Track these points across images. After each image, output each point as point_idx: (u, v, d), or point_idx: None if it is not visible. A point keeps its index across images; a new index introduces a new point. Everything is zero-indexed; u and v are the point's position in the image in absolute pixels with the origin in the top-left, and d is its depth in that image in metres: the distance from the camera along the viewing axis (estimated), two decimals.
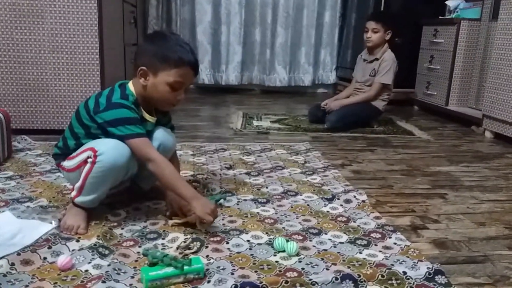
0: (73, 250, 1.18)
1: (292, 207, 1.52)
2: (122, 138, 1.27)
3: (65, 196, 1.53)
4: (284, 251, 1.20)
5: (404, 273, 1.09)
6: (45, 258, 1.14)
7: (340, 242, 1.28)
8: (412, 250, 1.23)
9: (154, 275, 1.03)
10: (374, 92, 2.82)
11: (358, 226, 1.39)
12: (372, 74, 2.86)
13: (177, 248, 1.19)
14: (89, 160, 1.27)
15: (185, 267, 1.05)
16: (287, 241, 1.22)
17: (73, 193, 1.33)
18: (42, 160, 1.93)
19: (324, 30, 4.22)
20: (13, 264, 1.09)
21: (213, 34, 4.03)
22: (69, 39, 2.24)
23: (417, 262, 1.16)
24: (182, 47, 1.31)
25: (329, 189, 1.68)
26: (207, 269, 1.10)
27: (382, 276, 1.08)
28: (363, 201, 1.58)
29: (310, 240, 1.28)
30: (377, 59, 2.85)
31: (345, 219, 1.44)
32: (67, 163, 1.37)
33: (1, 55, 2.21)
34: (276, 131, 2.67)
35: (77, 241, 1.23)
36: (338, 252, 1.21)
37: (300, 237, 1.29)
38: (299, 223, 1.40)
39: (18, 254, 1.13)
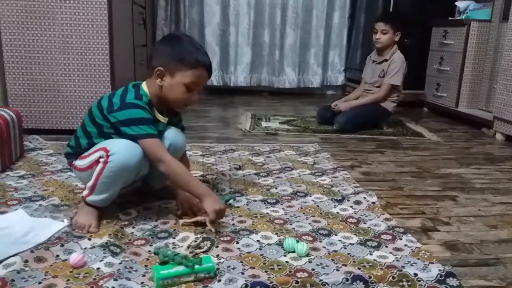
0: (85, 248, 1.19)
1: (301, 208, 1.52)
2: (134, 138, 1.29)
3: (76, 195, 1.55)
4: (294, 251, 1.20)
5: (415, 275, 1.08)
6: (57, 256, 1.15)
7: (351, 244, 1.27)
8: (423, 252, 1.22)
9: (165, 273, 1.04)
10: (383, 93, 2.81)
11: (369, 227, 1.38)
12: (381, 75, 2.85)
13: (188, 247, 1.20)
14: (101, 160, 1.29)
15: (196, 266, 1.05)
16: (297, 241, 1.22)
17: (85, 192, 1.34)
18: (53, 159, 1.95)
19: (333, 31, 4.21)
20: (26, 261, 1.10)
21: (221, 35, 4.04)
22: (80, 40, 2.26)
23: (428, 264, 1.15)
24: (198, 49, 1.34)
25: (338, 191, 1.68)
26: (218, 268, 1.10)
27: (393, 277, 1.07)
28: (373, 202, 1.57)
29: (320, 241, 1.28)
30: (386, 60, 2.84)
31: (355, 220, 1.43)
32: (79, 162, 1.38)
33: (13, 56, 2.23)
34: (285, 132, 2.67)
35: (89, 239, 1.24)
36: (349, 253, 1.21)
37: (310, 238, 1.29)
38: (309, 224, 1.39)
39: (31, 251, 1.14)
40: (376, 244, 1.27)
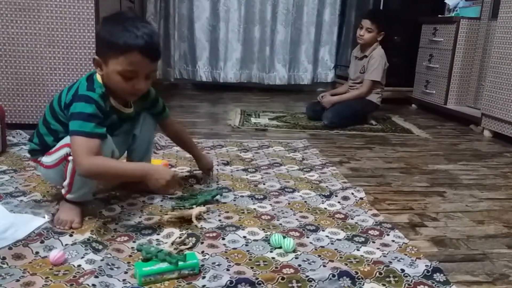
0: (66, 244, 1.16)
1: (289, 203, 1.50)
2: (69, 133, 1.20)
3: (59, 190, 1.51)
4: (280, 247, 1.18)
5: (402, 270, 1.08)
6: (37, 253, 1.12)
7: (338, 239, 1.26)
8: (410, 247, 1.21)
9: (148, 270, 1.01)
10: (365, 89, 2.82)
11: (356, 223, 1.37)
12: (362, 71, 2.86)
13: (172, 243, 1.17)
14: (70, 158, 1.22)
15: (180, 263, 1.03)
16: (284, 237, 1.20)
17: (63, 190, 1.29)
18: None
19: (324, 28, 4.20)
20: (4, 258, 1.07)
21: (211, 30, 4.00)
22: (66, 34, 2.21)
23: (415, 260, 1.14)
24: (129, 31, 1.17)
25: (326, 186, 1.67)
26: (202, 265, 1.08)
27: (380, 273, 1.06)
28: (361, 198, 1.56)
29: (307, 237, 1.26)
30: (366, 56, 2.84)
31: (343, 216, 1.42)
32: (45, 159, 1.32)
33: None
34: (274, 128, 2.65)
35: (70, 235, 1.21)
36: (336, 249, 1.20)
37: (297, 234, 1.28)
38: (296, 219, 1.38)
39: (10, 248, 1.11)
40: (363, 239, 1.26)
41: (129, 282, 1.01)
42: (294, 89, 4.21)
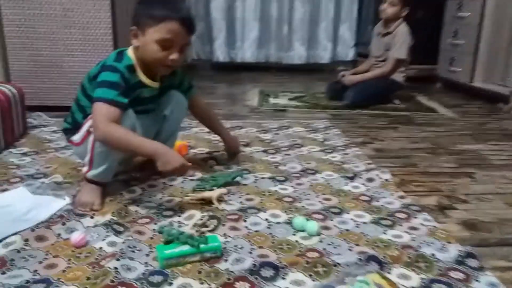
0: (87, 226, 1.15)
1: (311, 185, 1.46)
2: (93, 100, 1.22)
3: (79, 172, 1.49)
4: (304, 230, 1.15)
5: (433, 255, 1.03)
6: (59, 235, 1.11)
7: (363, 222, 1.22)
8: (440, 231, 1.16)
9: (169, 253, 0.99)
10: (389, 67, 2.71)
11: (382, 205, 1.32)
12: (386, 49, 2.75)
13: (194, 226, 1.15)
14: (91, 129, 1.24)
15: (202, 246, 1.01)
16: (307, 220, 1.17)
17: (85, 168, 1.30)
18: (57, 136, 1.90)
19: (343, 4, 4.07)
20: (27, 240, 1.07)
21: (228, 9, 3.92)
22: (82, 14, 2.18)
23: (446, 244, 1.09)
24: (169, 2, 1.24)
25: (350, 168, 1.62)
26: (224, 248, 1.05)
27: (409, 258, 1.02)
28: (386, 179, 1.51)
29: (331, 220, 1.22)
30: (389, 33, 2.72)
31: (368, 198, 1.37)
32: (75, 137, 1.35)
33: (14, 31, 2.17)
34: (294, 108, 2.60)
35: (91, 217, 1.20)
36: (361, 233, 1.16)
37: (321, 217, 1.24)
38: (319, 202, 1.34)
39: (32, 230, 1.11)
40: (390, 223, 1.22)
41: (151, 265, 1.00)
42: (313, 68, 4.12)
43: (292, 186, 1.45)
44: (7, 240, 1.06)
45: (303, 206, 1.30)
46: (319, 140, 1.96)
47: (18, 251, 1.02)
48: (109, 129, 1.17)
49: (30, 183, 1.41)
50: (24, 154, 1.68)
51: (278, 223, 1.20)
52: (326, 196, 1.38)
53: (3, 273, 0.95)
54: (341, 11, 4.09)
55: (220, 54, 3.98)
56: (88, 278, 0.94)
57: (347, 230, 1.17)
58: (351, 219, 1.24)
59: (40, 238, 1.08)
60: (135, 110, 1.30)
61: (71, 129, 1.37)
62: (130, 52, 1.30)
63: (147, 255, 1.04)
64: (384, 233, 1.16)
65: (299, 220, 1.16)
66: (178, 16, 1.22)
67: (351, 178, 1.52)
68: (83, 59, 2.23)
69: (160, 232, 1.08)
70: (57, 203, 1.26)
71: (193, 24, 1.28)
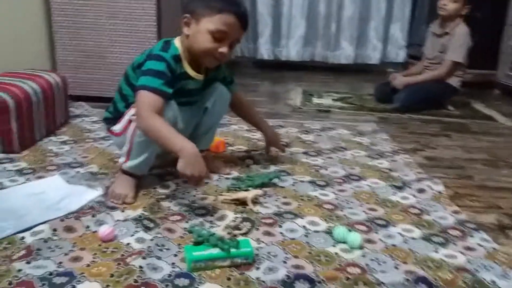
0: (117, 220, 1.12)
1: (355, 193, 1.35)
2: (135, 89, 1.19)
3: (116, 163, 1.47)
4: (345, 242, 1.05)
5: (493, 282, 0.91)
6: (87, 227, 1.08)
7: (412, 238, 1.10)
8: (501, 254, 1.03)
9: (198, 255, 0.93)
10: (444, 71, 2.52)
11: (434, 220, 1.20)
12: (442, 51, 2.55)
13: (225, 227, 1.08)
14: (133, 118, 1.21)
15: (232, 250, 0.94)
16: (349, 231, 1.07)
17: (121, 159, 1.27)
18: (97, 126, 1.90)
19: (395, 3, 3.87)
20: (55, 230, 1.04)
21: (274, 5, 3.83)
22: (127, 5, 2.17)
23: (509, 271, 0.96)
24: None
25: (398, 176, 1.49)
26: (257, 254, 0.98)
27: (465, 283, 0.90)
28: (439, 192, 1.38)
29: (376, 232, 1.12)
30: (447, 33, 2.53)
31: (418, 211, 1.25)
32: (116, 127, 1.33)
33: (61, 20, 2.19)
34: (339, 109, 2.48)
35: (122, 211, 1.16)
36: (410, 249, 1.04)
37: (364, 228, 1.13)
38: (363, 211, 1.23)
39: (61, 220, 1.08)
40: (442, 240, 1.09)
41: (178, 267, 0.94)
42: (361, 69, 3.96)
43: (333, 192, 1.35)
44: (36, 229, 1.04)
45: (345, 215, 1.20)
46: (365, 144, 1.84)
47: (45, 241, 0.99)
48: (150, 118, 1.14)
49: (65, 172, 1.40)
50: (63, 142, 1.68)
51: (316, 231, 1.11)
52: (371, 206, 1.27)
53: (28, 262, 0.92)
54: (393, 9, 3.90)
55: (265, 51, 3.90)
56: (111, 275, 0.89)
57: (394, 245, 1.06)
58: (399, 233, 1.12)
59: (68, 229, 1.05)
60: (177, 102, 1.26)
61: (112, 118, 1.35)
62: (177, 42, 1.27)
63: (175, 255, 0.98)
64: (436, 252, 1.04)
65: (340, 230, 1.06)
66: (236, 10, 1.21)
67: (400, 188, 1.39)
68: (127, 50, 2.22)
69: (190, 232, 1.02)
70: (89, 194, 1.23)
71: (248, 21, 1.26)
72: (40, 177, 1.35)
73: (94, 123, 1.96)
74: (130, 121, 1.24)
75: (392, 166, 1.59)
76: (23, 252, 0.94)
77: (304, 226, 1.13)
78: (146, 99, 1.15)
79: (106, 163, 1.49)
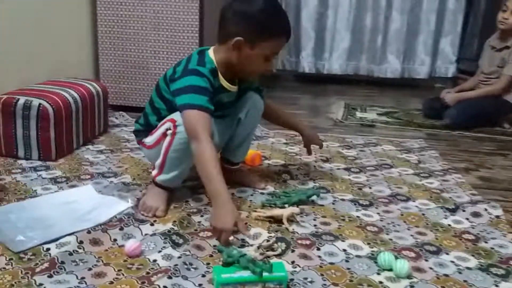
0: (145, 234, 1.07)
1: (402, 214, 1.23)
2: (180, 107, 1.13)
3: (150, 174, 1.44)
4: (391, 269, 0.94)
5: None
6: (115, 240, 1.03)
7: (467, 268, 0.98)
8: None
9: (227, 278, 0.85)
10: (501, 86, 2.34)
11: (492, 248, 1.06)
12: (500, 65, 2.37)
13: (258, 247, 1.00)
14: (169, 132, 1.17)
15: (265, 274, 0.85)
16: (396, 257, 0.96)
17: (154, 172, 1.24)
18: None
19: (446, 16, 3.69)
20: (81, 242, 1.00)
21: (318, 19, 3.76)
22: (170, 17, 2.17)
23: None
24: (280, 15, 1.19)
25: (450, 197, 1.36)
26: (291, 280, 0.89)
27: None
28: (497, 216, 1.23)
29: (426, 260, 1.00)
30: (507, 48, 2.35)
31: (473, 237, 1.12)
32: (147, 139, 1.29)
33: (107, 31, 2.23)
34: (384, 124, 2.35)
35: (152, 224, 1.11)
36: (465, 281, 0.92)
37: (413, 254, 1.02)
38: (411, 235, 1.12)
39: (88, 232, 1.04)
40: (503, 272, 0.96)
41: None
42: (407, 83, 3.79)
43: (378, 213, 1.24)
44: (62, 240, 1.01)
45: (391, 239, 1.09)
46: (412, 162, 1.71)
47: (71, 253, 0.96)
48: (207, 147, 1.07)
49: (98, 181, 1.38)
50: (100, 151, 1.67)
51: (358, 256, 1.00)
52: (420, 230, 1.15)
53: (50, 276, 0.88)
54: (443, 23, 3.72)
55: (306, 65, 3.82)
56: None
57: (446, 275, 0.94)
58: (452, 261, 1.00)
59: (95, 242, 1.01)
60: (213, 115, 1.20)
61: (144, 130, 1.32)
62: (211, 53, 1.22)
63: (203, 275, 0.91)
64: (496, 286, 0.91)
65: (386, 256, 0.96)
66: (288, 30, 1.20)
67: (452, 210, 1.26)
68: (169, 61, 2.22)
69: (220, 251, 0.95)
70: (119, 205, 1.19)
71: None
72: (73, 186, 1.34)
73: (132, 133, 1.95)
74: (164, 135, 1.19)
75: (443, 186, 1.45)
76: (46, 265, 0.91)
77: (344, 250, 1.03)
78: (197, 119, 1.10)
79: (140, 173, 1.46)
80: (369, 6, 3.72)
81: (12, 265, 0.91)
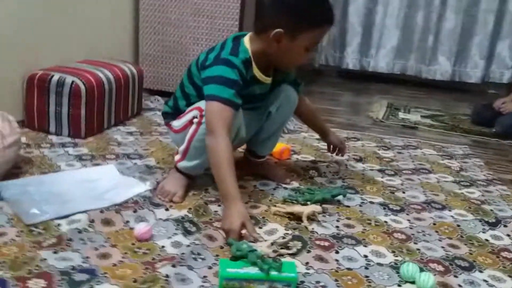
0: (158, 219, 1.04)
1: (435, 223, 1.13)
2: (206, 97, 1.08)
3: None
4: (413, 282, 0.85)
5: None
6: (127, 222, 1.01)
7: None
8: None
9: (232, 272, 0.80)
10: None
11: None
12: None
13: (272, 243, 0.94)
14: (195, 120, 1.13)
15: (273, 273, 0.80)
16: (421, 270, 0.87)
17: (177, 157, 1.21)
18: None
19: (506, 18, 3.43)
20: (92, 221, 0.99)
21: (366, 14, 3.61)
22: (211, 3, 2.14)
23: None
24: (326, 3, 1.11)
25: (492, 210, 1.24)
26: (302, 282, 0.83)
27: None
28: None
29: (456, 276, 0.90)
30: None
31: None
32: (175, 123, 1.25)
33: (149, 15, 2.23)
34: (427, 127, 2.21)
35: (167, 209, 1.09)
36: None
37: (441, 268, 0.93)
38: (442, 247, 1.02)
39: (101, 211, 1.03)
40: None
41: (209, 281, 0.82)
42: (457, 87, 3.57)
43: (408, 220, 1.14)
44: (74, 217, 0.99)
45: (418, 249, 1.00)
46: (454, 169, 1.58)
47: (80, 231, 0.94)
48: (222, 142, 1.03)
49: (122, 162, 1.37)
50: (130, 133, 1.67)
51: (380, 264, 0.92)
52: (452, 242, 1.05)
53: (55, 252, 0.87)
54: (502, 24, 3.47)
55: (350, 61, 3.69)
56: (134, 281, 0.80)
57: None
58: (485, 280, 0.90)
59: (106, 222, 0.99)
60: (242, 107, 1.14)
61: (172, 113, 1.29)
62: (246, 42, 1.14)
63: (210, 267, 0.87)
64: None
65: (409, 267, 0.87)
66: (332, 17, 1.13)
67: (492, 224, 1.14)
68: (207, 48, 2.18)
69: (229, 244, 0.90)
70: (137, 187, 1.17)
71: None
72: (96, 165, 1.34)
73: (161, 114, 1.94)
74: (191, 122, 1.15)
75: (485, 197, 1.33)
76: (53, 240, 0.90)
77: (366, 256, 0.95)
78: (219, 112, 1.05)
79: (165, 157, 1.44)
80: (421, 4, 3.53)
81: (22, 238, 0.90)
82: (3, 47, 1.49)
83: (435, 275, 0.87)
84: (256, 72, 1.15)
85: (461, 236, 1.08)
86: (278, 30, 1.07)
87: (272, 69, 1.20)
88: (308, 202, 1.13)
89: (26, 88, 1.54)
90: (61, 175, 1.22)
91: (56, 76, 1.51)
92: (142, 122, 1.83)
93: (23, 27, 1.54)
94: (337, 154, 1.44)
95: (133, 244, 0.92)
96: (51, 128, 1.54)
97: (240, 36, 1.17)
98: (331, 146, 1.43)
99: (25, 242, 0.89)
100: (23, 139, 1.46)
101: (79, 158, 1.37)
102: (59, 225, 0.96)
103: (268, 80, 1.20)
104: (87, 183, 1.18)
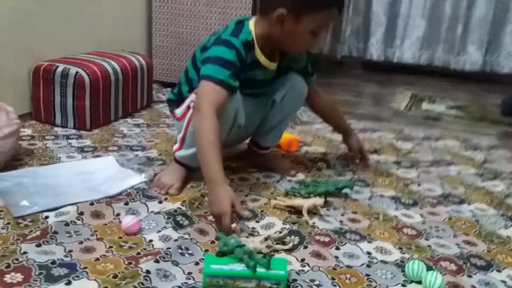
0: (150, 212, 0.99)
1: (450, 218, 1.04)
2: (200, 77, 1.03)
3: None
4: (420, 282, 0.77)
5: None
6: (117, 214, 0.97)
7: None
8: None
9: (216, 269, 0.74)
10: None
11: None
12: None
13: (266, 238, 0.87)
14: (191, 104, 1.09)
15: (259, 270, 0.73)
16: (429, 268, 0.78)
17: (175, 146, 1.16)
18: None
19: None
20: (81, 213, 0.95)
21: (391, 3, 3.47)
22: None
23: None
24: None
25: None
26: (294, 280, 0.76)
27: None
28: None
29: (470, 276, 0.81)
30: None
31: None
32: (177, 111, 1.22)
33: (161, 6, 2.20)
34: (452, 118, 2.08)
35: (160, 202, 1.04)
36: None
37: (453, 267, 0.84)
38: (457, 244, 0.93)
39: (91, 204, 0.99)
40: None
41: (194, 278, 0.77)
42: (488, 78, 3.37)
43: (421, 214, 1.05)
44: (64, 209, 0.96)
45: (429, 246, 0.91)
46: (477, 161, 1.47)
47: (67, 224, 0.91)
48: (208, 123, 0.97)
49: (124, 154, 1.34)
50: (137, 125, 1.64)
51: (384, 262, 0.84)
52: (469, 238, 0.95)
53: (38, 245, 0.83)
54: None
55: (375, 52, 3.55)
56: (114, 276, 0.76)
57: None
58: (503, 281, 0.81)
59: (96, 214, 0.96)
60: (242, 92, 1.09)
61: (176, 100, 1.25)
62: (251, 24, 1.09)
63: (197, 263, 0.81)
64: None
65: (415, 266, 0.79)
66: (340, 2, 1.09)
67: None
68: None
69: (218, 239, 0.84)
70: (132, 179, 1.13)
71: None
72: (97, 156, 1.30)
73: (166, 102, 1.90)
74: (188, 107, 1.12)
75: (509, 191, 1.21)
76: (38, 233, 0.86)
77: (369, 253, 0.87)
78: (209, 92, 1.00)
79: (168, 149, 1.39)
80: None
81: (7, 230, 0.88)
82: (13, 39, 1.48)
83: (444, 274, 0.78)
84: (259, 56, 1.09)
85: (479, 233, 0.98)
86: (281, 11, 1.01)
87: (278, 54, 1.14)
88: (311, 195, 1.06)
89: (32, 80, 1.53)
90: (58, 167, 1.19)
91: (61, 67, 1.49)
92: (151, 114, 1.80)
93: (31, 18, 1.53)
94: (358, 163, 1.34)
95: (120, 238, 0.88)
96: (57, 120, 1.53)
97: (244, 20, 1.12)
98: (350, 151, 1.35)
99: (11, 235, 0.86)
100: (28, 131, 1.46)
101: (81, 150, 1.34)
102: (46, 217, 0.93)
103: (272, 65, 1.13)
104: (84, 175, 1.15)
